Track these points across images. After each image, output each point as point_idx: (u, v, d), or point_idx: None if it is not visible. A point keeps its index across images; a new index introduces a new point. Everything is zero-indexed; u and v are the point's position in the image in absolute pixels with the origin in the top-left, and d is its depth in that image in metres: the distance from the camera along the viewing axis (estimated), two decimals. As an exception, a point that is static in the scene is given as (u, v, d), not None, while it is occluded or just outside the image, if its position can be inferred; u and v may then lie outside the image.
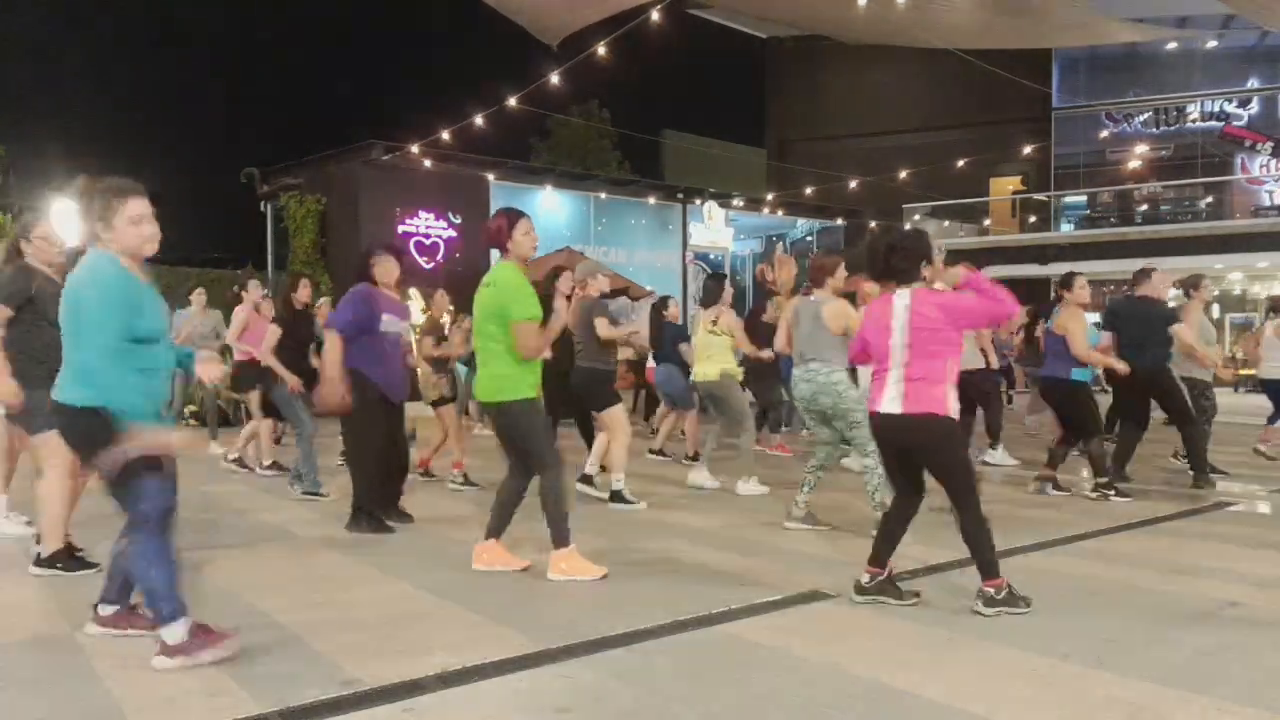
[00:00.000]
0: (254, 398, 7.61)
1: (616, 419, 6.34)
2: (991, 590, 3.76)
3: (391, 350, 5.50)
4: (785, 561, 4.75)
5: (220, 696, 2.94)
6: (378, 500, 5.54)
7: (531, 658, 3.29)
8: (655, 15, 10.25)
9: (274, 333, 6.81)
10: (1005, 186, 26.81)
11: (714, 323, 6.95)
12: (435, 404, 7.46)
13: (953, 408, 3.84)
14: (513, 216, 4.52)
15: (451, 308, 9.14)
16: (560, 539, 4.36)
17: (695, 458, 7.86)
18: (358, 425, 5.44)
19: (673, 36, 11.94)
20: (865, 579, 3.97)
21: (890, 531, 4.03)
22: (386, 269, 5.54)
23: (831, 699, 2.93)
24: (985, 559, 3.80)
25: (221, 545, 5.14)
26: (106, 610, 3.50)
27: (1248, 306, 22.99)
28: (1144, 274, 7.29)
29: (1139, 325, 6.98)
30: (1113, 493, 6.51)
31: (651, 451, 8.86)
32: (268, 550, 5.04)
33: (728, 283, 7.35)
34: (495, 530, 4.55)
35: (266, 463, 7.78)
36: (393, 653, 3.35)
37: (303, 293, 7.03)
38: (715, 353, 6.92)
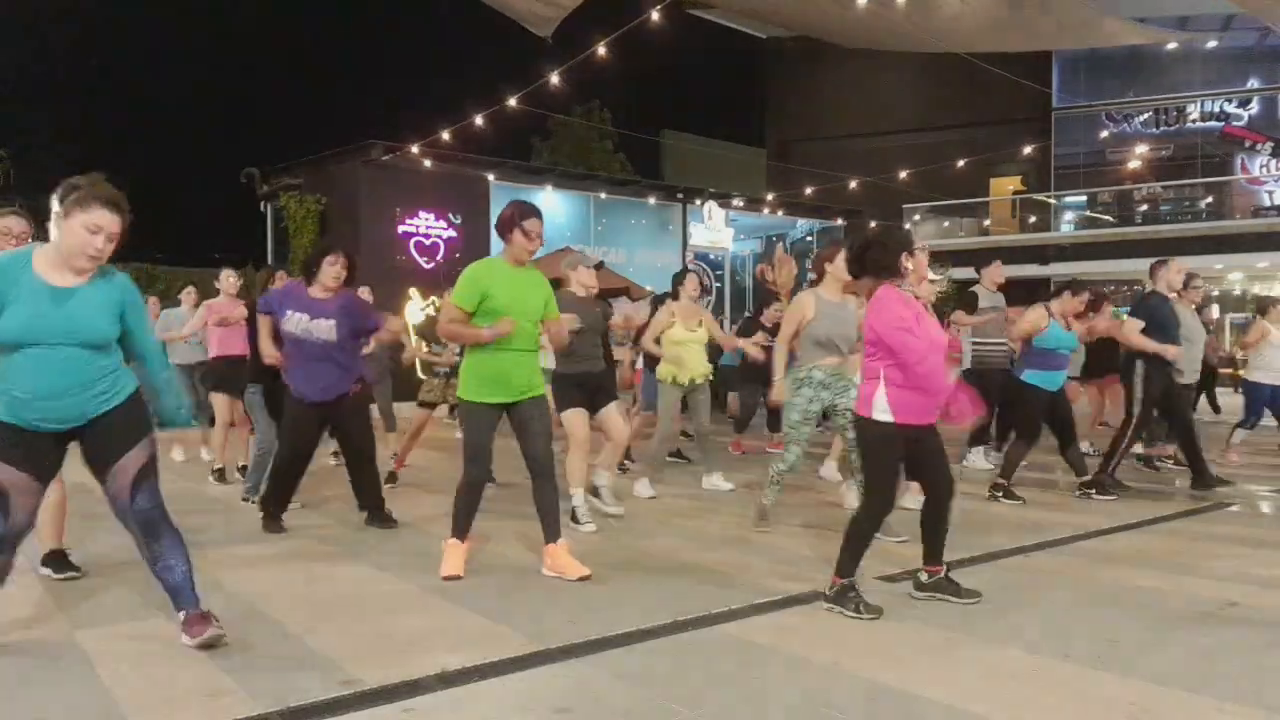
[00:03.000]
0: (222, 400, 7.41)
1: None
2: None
3: (309, 351, 5.36)
4: (785, 561, 4.75)
5: (220, 697, 2.94)
6: (280, 500, 5.60)
7: (531, 658, 3.30)
8: (655, 15, 10.23)
9: (265, 324, 6.55)
10: (1005, 186, 26.81)
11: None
12: (421, 404, 7.48)
13: (874, 408, 3.85)
14: (523, 210, 4.44)
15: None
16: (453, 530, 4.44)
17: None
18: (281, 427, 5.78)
19: (673, 36, 11.92)
20: (924, 577, 4.07)
21: (928, 529, 4.07)
22: (332, 272, 5.41)
23: (831, 699, 2.93)
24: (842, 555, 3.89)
25: (222, 545, 5.13)
26: (181, 616, 3.43)
27: (1248, 307, 22.98)
28: (1160, 264, 7.24)
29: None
30: (1001, 495, 6.51)
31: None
32: (267, 550, 5.04)
33: (691, 277, 7.11)
34: (548, 535, 4.48)
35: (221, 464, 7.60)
36: (393, 653, 3.35)
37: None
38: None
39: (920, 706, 2.88)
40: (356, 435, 5.70)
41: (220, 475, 7.45)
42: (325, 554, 4.97)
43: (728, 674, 3.17)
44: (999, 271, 8.30)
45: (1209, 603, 4.00)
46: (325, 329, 5.35)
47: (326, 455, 7.49)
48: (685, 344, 6.76)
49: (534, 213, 4.47)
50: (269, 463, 6.37)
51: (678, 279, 7.09)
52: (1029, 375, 6.50)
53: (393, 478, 7.16)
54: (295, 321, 5.34)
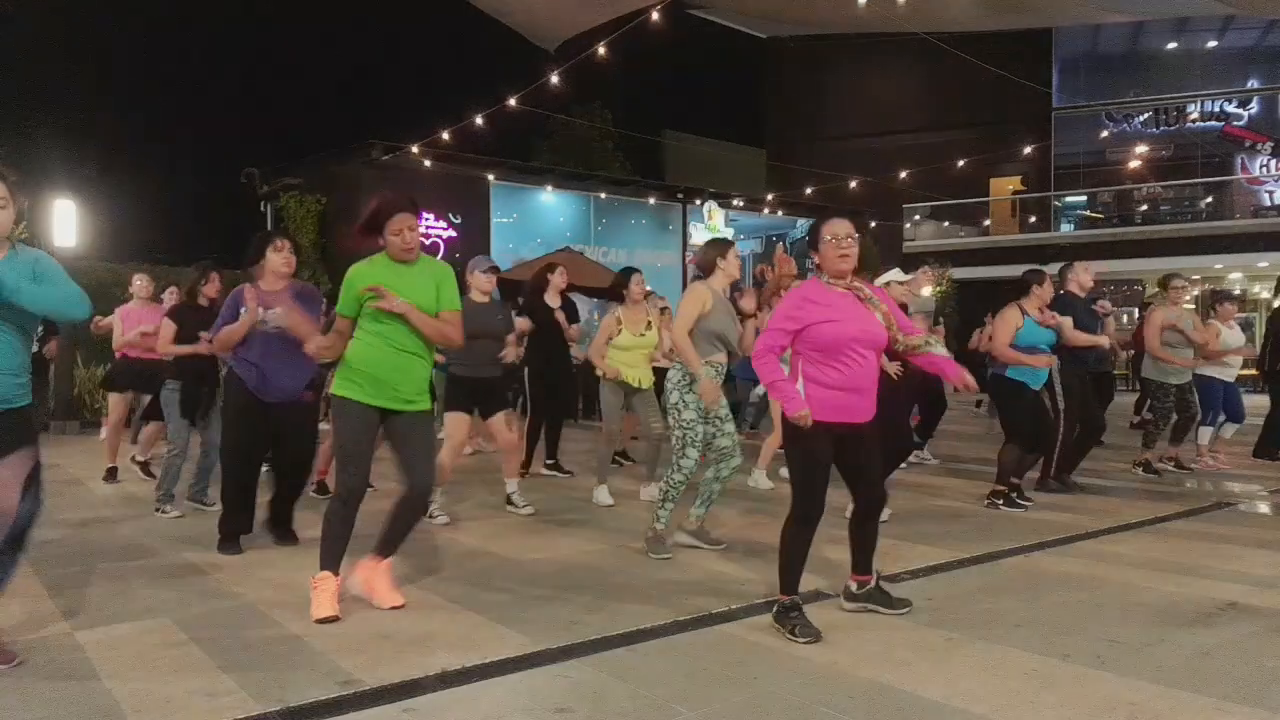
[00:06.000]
0: (120, 399, 7.44)
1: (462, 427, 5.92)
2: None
3: (271, 346, 4.89)
4: (785, 561, 4.74)
5: (220, 696, 2.94)
6: (244, 520, 5.10)
7: (531, 658, 3.30)
8: (655, 15, 10.26)
9: (167, 327, 6.09)
10: (1005, 186, 26.84)
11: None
12: None
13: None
14: (385, 208, 4.00)
15: None
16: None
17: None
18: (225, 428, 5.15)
19: (673, 37, 11.94)
20: (854, 586, 3.88)
21: (857, 540, 3.87)
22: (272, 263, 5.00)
23: (831, 699, 2.93)
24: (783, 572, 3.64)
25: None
26: None
27: (1247, 306, 22.99)
28: (1067, 267, 7.22)
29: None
30: (1001, 502, 6.27)
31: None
32: (265, 551, 5.03)
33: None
34: (382, 549, 4.06)
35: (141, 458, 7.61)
36: (393, 653, 3.35)
37: (210, 288, 6.24)
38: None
39: (920, 706, 2.88)
40: (302, 446, 5.24)
41: (112, 475, 7.40)
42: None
43: (728, 674, 3.17)
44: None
45: (1209, 603, 4.00)
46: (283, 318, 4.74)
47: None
48: (630, 350, 6.50)
49: (397, 209, 3.94)
50: (179, 468, 6.12)
51: (620, 281, 6.69)
52: (1012, 371, 6.29)
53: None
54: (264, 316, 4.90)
